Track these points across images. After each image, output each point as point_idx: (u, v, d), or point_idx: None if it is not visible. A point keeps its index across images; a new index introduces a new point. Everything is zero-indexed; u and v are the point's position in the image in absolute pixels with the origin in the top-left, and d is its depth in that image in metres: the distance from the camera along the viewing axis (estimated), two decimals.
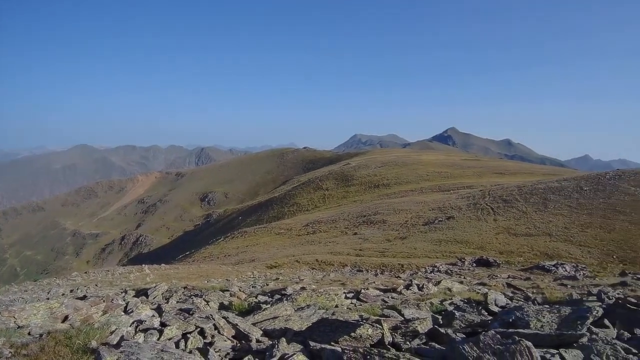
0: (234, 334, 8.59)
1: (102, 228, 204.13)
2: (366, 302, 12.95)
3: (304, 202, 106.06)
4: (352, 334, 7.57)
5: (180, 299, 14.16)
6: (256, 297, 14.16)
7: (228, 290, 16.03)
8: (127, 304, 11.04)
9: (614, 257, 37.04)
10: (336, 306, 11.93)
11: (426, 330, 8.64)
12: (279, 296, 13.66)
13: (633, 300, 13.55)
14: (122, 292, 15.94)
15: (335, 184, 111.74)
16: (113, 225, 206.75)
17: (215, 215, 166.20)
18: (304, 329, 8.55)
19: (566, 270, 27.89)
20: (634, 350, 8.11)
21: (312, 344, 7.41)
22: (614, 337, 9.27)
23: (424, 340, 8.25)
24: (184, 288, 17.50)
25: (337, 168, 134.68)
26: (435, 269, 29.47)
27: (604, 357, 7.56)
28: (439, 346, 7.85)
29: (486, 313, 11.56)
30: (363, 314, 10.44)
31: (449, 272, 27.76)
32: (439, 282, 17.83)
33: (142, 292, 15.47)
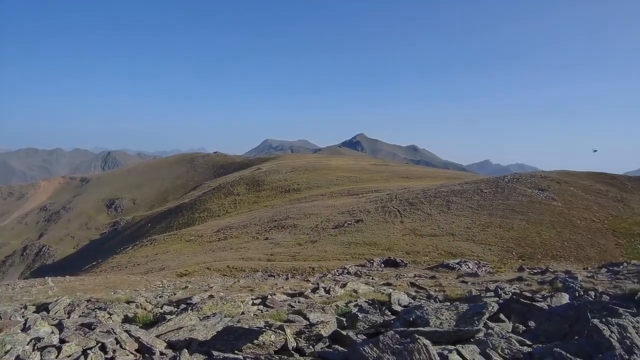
0: (136, 348, 8.27)
1: (1, 238, 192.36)
2: (273, 307, 12.86)
3: (215, 208, 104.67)
4: (256, 341, 7.50)
5: (83, 312, 13.53)
6: (161, 308, 13.77)
7: (134, 302, 15.50)
8: (26, 320, 10.46)
9: (514, 253, 38.92)
10: (242, 313, 11.78)
11: (329, 334, 8.67)
12: (184, 306, 13.34)
13: (528, 294, 14.18)
14: (21, 308, 15.09)
15: (246, 189, 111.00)
16: (13, 235, 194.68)
17: (123, 222, 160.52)
18: (209, 338, 8.39)
19: (469, 268, 28.86)
20: (528, 342, 8.50)
21: (215, 353, 7.30)
22: (510, 330, 9.65)
23: (327, 344, 8.29)
24: (88, 301, 16.80)
25: (248, 173, 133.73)
26: (345, 271, 29.77)
27: (499, 350, 7.81)
28: (342, 349, 7.89)
29: (390, 313, 11.70)
30: (269, 320, 10.39)
31: (359, 273, 28.11)
32: (345, 285, 17.92)
33: (43, 307, 14.73)
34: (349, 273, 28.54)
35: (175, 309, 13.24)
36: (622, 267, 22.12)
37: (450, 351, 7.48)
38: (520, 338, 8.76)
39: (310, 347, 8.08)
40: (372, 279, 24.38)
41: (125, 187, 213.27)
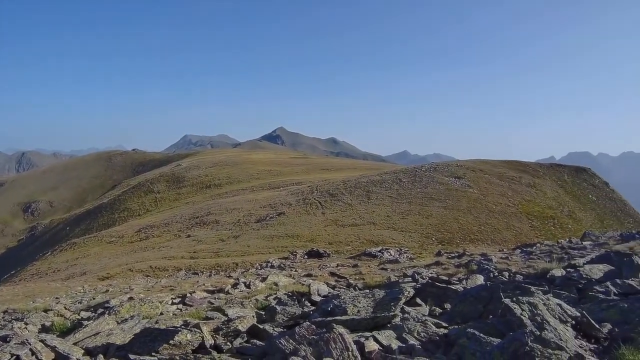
0: (53, 357, 7.91)
1: None
2: (192, 306, 12.69)
3: (135, 207, 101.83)
4: (172, 341, 7.37)
5: None
6: (79, 314, 13.36)
7: (52, 310, 14.97)
8: None
9: (433, 239, 40.06)
10: (161, 314, 11.56)
11: (247, 328, 8.63)
12: (102, 310, 12.87)
13: (444, 278, 14.57)
14: None
15: (166, 187, 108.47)
16: None
17: (41, 227, 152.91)
18: (127, 342, 8.16)
19: (391, 255, 29.39)
20: (444, 324, 8.69)
21: (132, 357, 7.13)
22: (426, 313, 9.83)
23: (245, 339, 8.25)
24: (4, 312, 16.16)
25: (168, 170, 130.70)
26: (269, 264, 29.75)
27: (415, 334, 7.93)
28: (260, 343, 7.88)
29: (309, 304, 11.77)
30: (188, 318, 10.24)
31: (282, 266, 28.12)
32: (265, 278, 17.90)
33: None
34: (272, 266, 28.51)
35: (93, 314, 12.82)
36: (535, 247, 22.96)
37: (367, 338, 7.55)
38: (436, 320, 8.94)
39: (228, 343, 8.03)
40: (295, 271, 24.47)
41: (41, 190, 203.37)
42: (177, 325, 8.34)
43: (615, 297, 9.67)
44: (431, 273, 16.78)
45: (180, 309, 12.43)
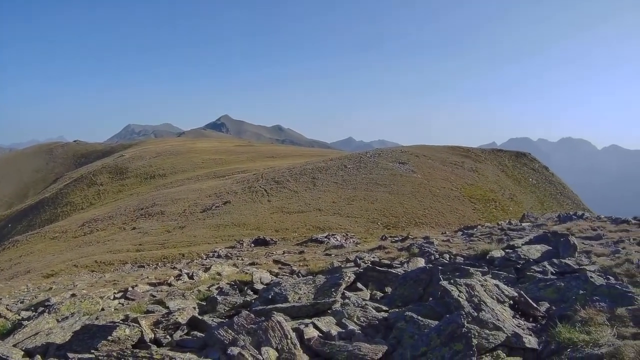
0: None
1: None
2: (134, 299, 12.50)
3: (78, 200, 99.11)
4: (110, 337, 7.22)
5: None
6: (19, 314, 13.02)
7: None
8: None
9: (379, 223, 40.52)
10: (102, 309, 11.29)
11: (187, 320, 8.56)
12: (42, 308, 12.51)
13: (386, 261, 14.68)
14: None
15: (109, 178, 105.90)
16: None
17: None
18: (67, 340, 7.95)
19: (337, 240, 29.57)
20: (385, 308, 8.77)
21: (70, 355, 6.97)
22: (367, 298, 9.93)
23: (185, 331, 8.19)
24: None
25: (111, 161, 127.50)
26: (216, 254, 29.54)
27: (355, 319, 8.01)
28: (201, 334, 7.83)
29: (252, 293, 11.72)
30: (129, 313, 10.05)
31: (229, 255, 28.00)
32: (209, 268, 17.77)
33: None
34: (219, 256, 28.33)
35: (34, 313, 12.44)
36: (476, 229, 23.13)
37: (306, 325, 7.60)
38: (377, 305, 9.02)
39: (168, 336, 7.95)
40: (242, 259, 24.39)
41: None
42: (117, 321, 8.12)
43: (552, 277, 9.92)
44: (373, 257, 16.86)
45: (122, 304, 12.20)
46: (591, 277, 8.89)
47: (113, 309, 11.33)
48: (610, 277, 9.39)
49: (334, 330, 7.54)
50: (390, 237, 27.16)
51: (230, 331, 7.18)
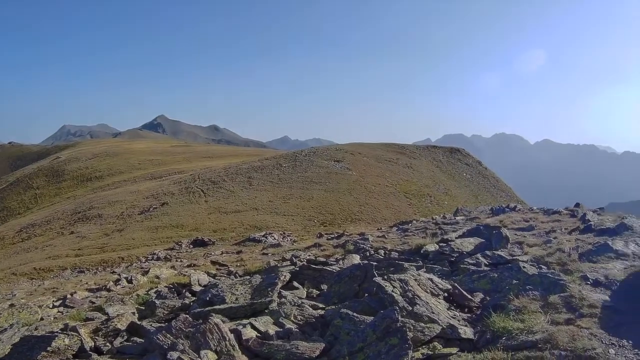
0: None
1: None
2: (73, 307, 12.10)
3: (15, 205, 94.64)
4: (49, 348, 7.05)
5: None
6: None
7: None
8: None
9: (315, 221, 40.62)
10: (41, 319, 10.96)
11: (126, 326, 8.43)
12: None
13: (321, 259, 14.60)
14: None
15: (46, 181, 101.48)
16: None
17: None
18: (6, 353, 7.70)
19: (275, 239, 29.44)
20: (321, 305, 8.82)
21: None
22: (304, 296, 9.93)
23: (125, 338, 8.07)
24: None
25: (47, 163, 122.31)
26: (155, 256, 28.99)
27: (292, 318, 8.05)
28: (141, 340, 7.74)
29: (190, 295, 11.53)
30: (69, 321, 9.78)
31: (168, 257, 27.51)
32: (147, 272, 17.38)
33: None
34: (158, 258, 27.82)
35: None
36: (411, 224, 23.00)
37: (244, 325, 7.60)
38: (313, 302, 9.08)
39: (108, 344, 7.83)
40: (181, 261, 24.09)
41: None
42: (56, 330, 7.89)
43: (486, 268, 10.14)
44: (309, 255, 16.83)
45: (62, 312, 11.81)
46: (524, 267, 9.14)
47: (52, 318, 10.99)
48: (543, 267, 9.65)
49: (272, 329, 7.57)
50: (327, 234, 26.99)
51: (169, 335, 7.12)
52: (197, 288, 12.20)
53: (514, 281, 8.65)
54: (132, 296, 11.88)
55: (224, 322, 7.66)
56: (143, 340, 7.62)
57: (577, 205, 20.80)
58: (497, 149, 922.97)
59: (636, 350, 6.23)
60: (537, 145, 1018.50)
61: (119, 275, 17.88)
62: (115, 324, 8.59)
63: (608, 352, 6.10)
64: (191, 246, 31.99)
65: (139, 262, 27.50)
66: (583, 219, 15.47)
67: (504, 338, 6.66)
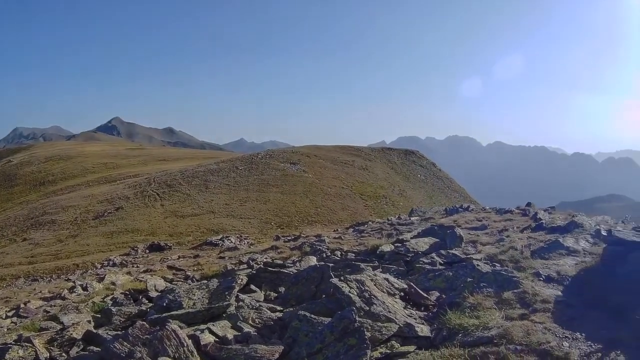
0: None
1: None
2: (27, 317, 11.71)
3: None
4: None
5: None
6: None
7: None
8: None
9: (272, 223, 40.57)
10: None
11: (82, 335, 8.24)
12: None
13: (279, 261, 14.57)
14: None
15: None
16: None
17: None
18: None
19: (232, 242, 29.25)
20: (279, 308, 8.76)
21: None
22: (261, 299, 9.82)
23: (81, 347, 7.88)
24: None
25: None
26: (110, 262, 28.42)
27: (250, 321, 7.96)
28: (97, 349, 7.54)
29: (147, 301, 11.39)
30: (22, 332, 9.45)
31: (124, 263, 27.03)
32: (103, 278, 17.02)
33: None
34: (114, 264, 27.28)
35: None
36: (366, 225, 23.20)
37: (202, 331, 7.51)
38: (271, 305, 9.02)
39: (64, 354, 7.65)
40: (137, 267, 23.72)
41: None
42: (9, 342, 7.68)
43: (441, 267, 10.27)
44: (266, 258, 16.79)
45: (15, 322, 11.45)
46: (478, 265, 9.33)
47: (5, 329, 10.65)
48: (496, 264, 9.87)
49: (230, 334, 7.50)
50: (284, 236, 26.91)
51: (125, 343, 6.97)
52: (153, 294, 12.04)
53: (469, 279, 8.83)
54: (87, 304, 11.62)
55: (181, 327, 7.60)
56: (100, 350, 7.42)
57: (529, 204, 21.37)
58: (451, 151, 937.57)
59: (589, 342, 6.39)
60: (489, 147, 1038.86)
61: (74, 282, 17.49)
62: (71, 334, 8.39)
63: (562, 345, 6.28)
64: (147, 251, 31.55)
65: (94, 269, 26.98)
66: (534, 218, 15.90)
67: (460, 335, 6.77)
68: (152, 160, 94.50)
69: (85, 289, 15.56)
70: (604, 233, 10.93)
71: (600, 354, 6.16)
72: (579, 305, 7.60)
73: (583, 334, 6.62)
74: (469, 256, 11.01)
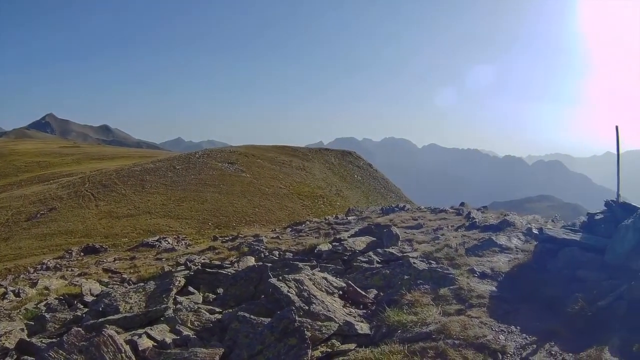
0: None
1: None
2: None
3: None
4: None
5: None
6: None
7: None
8: None
9: (210, 224, 40.21)
10: None
11: (15, 345, 7.90)
12: None
13: (217, 262, 14.46)
14: None
15: None
16: None
17: None
18: None
19: (169, 243, 28.78)
20: (218, 309, 8.71)
21: None
22: (200, 301, 9.73)
23: (15, 357, 7.57)
24: None
25: None
26: (44, 266, 27.43)
27: (189, 324, 7.90)
28: (32, 358, 7.29)
29: (82, 306, 11.07)
30: None
31: (58, 266, 26.11)
32: (36, 283, 16.44)
33: None
34: (48, 268, 26.34)
35: None
36: (304, 225, 23.30)
37: (140, 335, 7.35)
38: (210, 307, 8.97)
39: None
40: (72, 270, 23.09)
41: None
42: None
43: (378, 265, 10.46)
44: (204, 259, 16.63)
45: None
46: (414, 262, 9.57)
47: None
48: (432, 262, 10.11)
49: (169, 338, 7.41)
50: (221, 237, 26.68)
51: (61, 352, 6.77)
52: (89, 298, 11.72)
53: (406, 277, 9.02)
54: (20, 311, 11.23)
55: (118, 333, 7.45)
56: (34, 359, 7.24)
57: (462, 204, 22.07)
58: (387, 152, 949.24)
59: (524, 334, 6.70)
60: (424, 148, 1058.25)
61: (5, 288, 16.86)
62: (3, 343, 8.13)
63: (498, 338, 6.53)
64: (82, 254, 30.69)
65: (27, 273, 26.06)
66: (468, 217, 16.44)
67: (399, 331, 6.92)
68: (87, 159, 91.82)
69: (17, 294, 15.06)
70: (535, 231, 11.49)
71: (535, 346, 6.42)
72: (513, 300, 7.94)
73: (518, 327, 6.94)
74: (405, 254, 11.27)
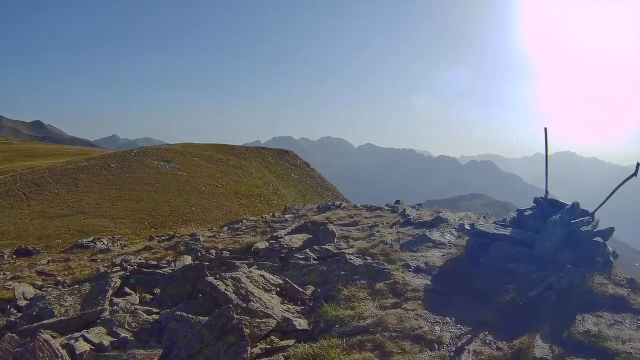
0: None
1: None
2: None
3: None
4: None
5: None
6: None
7: None
8: None
9: (146, 223, 39.50)
10: None
11: None
12: None
13: (153, 262, 14.23)
14: None
15: None
16: None
17: None
18: None
19: (104, 244, 28.17)
20: (155, 310, 8.59)
21: None
22: (137, 302, 9.59)
23: None
24: None
25: None
26: None
27: (126, 325, 7.75)
28: None
29: (16, 311, 10.64)
30: None
31: None
32: None
33: None
34: None
35: None
36: (241, 223, 23.03)
37: (76, 339, 7.15)
38: (147, 308, 8.81)
39: None
40: (4, 274, 22.37)
41: None
42: None
43: (315, 262, 10.64)
44: (140, 259, 16.38)
45: None
46: (350, 259, 9.81)
47: None
48: (368, 258, 10.33)
49: (106, 340, 7.26)
50: (157, 236, 26.07)
51: None
52: (22, 302, 11.29)
53: (342, 272, 9.26)
54: None
55: (54, 337, 7.27)
56: None
57: (397, 202, 22.53)
58: (324, 152, 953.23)
59: (459, 325, 7.02)
60: (360, 148, 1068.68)
61: None
62: None
63: (434, 329, 6.79)
64: (14, 256, 29.67)
65: None
66: (403, 214, 16.80)
67: (337, 326, 7.11)
68: (18, 156, 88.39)
69: None
70: (467, 227, 11.98)
71: (470, 335, 6.69)
72: (447, 293, 8.31)
73: (453, 318, 7.26)
74: (341, 251, 11.49)
